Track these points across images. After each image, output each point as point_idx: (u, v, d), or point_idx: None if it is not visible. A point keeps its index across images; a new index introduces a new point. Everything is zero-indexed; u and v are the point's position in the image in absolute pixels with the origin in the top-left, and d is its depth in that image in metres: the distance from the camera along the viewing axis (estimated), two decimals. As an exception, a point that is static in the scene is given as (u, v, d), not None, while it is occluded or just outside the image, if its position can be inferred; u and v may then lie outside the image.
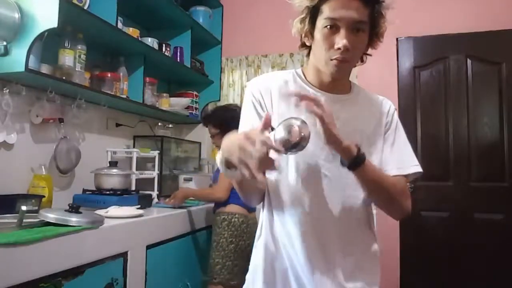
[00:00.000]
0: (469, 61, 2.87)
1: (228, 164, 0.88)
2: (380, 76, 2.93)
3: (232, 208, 2.26)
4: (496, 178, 2.77)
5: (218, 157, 0.92)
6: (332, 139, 0.89)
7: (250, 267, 1.12)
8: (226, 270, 2.16)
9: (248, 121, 1.05)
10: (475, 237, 2.74)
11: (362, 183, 0.97)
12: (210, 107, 3.20)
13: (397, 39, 2.99)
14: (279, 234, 1.04)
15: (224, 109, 2.44)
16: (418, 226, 2.82)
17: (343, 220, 1.02)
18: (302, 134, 0.82)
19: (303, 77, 1.08)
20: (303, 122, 0.83)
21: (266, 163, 0.79)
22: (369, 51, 1.05)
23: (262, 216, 1.10)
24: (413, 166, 1.06)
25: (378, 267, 1.09)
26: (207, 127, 2.42)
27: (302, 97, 0.87)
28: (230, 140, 0.85)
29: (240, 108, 2.17)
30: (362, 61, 1.05)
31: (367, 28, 0.97)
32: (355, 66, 1.04)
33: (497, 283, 2.67)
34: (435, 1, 2.97)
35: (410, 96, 2.97)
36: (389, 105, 1.12)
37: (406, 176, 1.05)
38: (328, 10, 0.94)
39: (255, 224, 2.22)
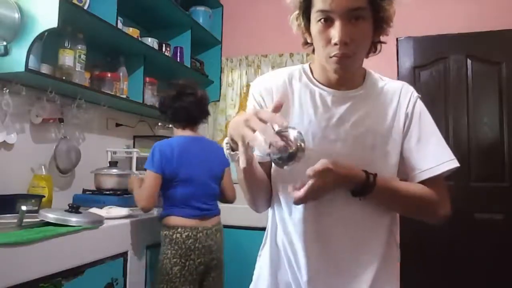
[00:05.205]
0: (469, 61, 2.87)
1: (233, 146, 0.82)
2: (380, 76, 2.93)
3: (172, 220, 1.85)
4: (496, 178, 2.77)
5: (225, 140, 0.86)
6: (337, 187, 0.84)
7: (254, 277, 1.04)
8: None
9: None
10: (475, 237, 2.74)
11: (378, 204, 0.89)
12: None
13: (397, 39, 2.99)
14: (281, 244, 0.96)
15: (175, 96, 1.97)
16: (418, 226, 2.79)
17: (357, 232, 0.92)
18: (299, 144, 0.77)
19: (309, 74, 0.98)
20: (300, 133, 0.79)
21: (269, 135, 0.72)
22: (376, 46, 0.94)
23: (268, 222, 1.02)
24: (446, 162, 0.91)
25: (397, 278, 0.97)
26: None
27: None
28: (237, 117, 0.79)
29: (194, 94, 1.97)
30: (375, 51, 0.93)
31: (368, 14, 0.85)
32: (367, 57, 0.93)
33: (497, 283, 2.67)
34: (435, 1, 2.97)
35: (410, 96, 2.96)
36: (410, 93, 0.97)
37: (440, 174, 0.91)
38: (319, 2, 0.84)
39: (213, 234, 1.89)
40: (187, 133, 1.99)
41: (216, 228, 1.93)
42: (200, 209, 1.89)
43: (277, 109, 0.76)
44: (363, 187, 0.86)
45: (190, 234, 1.82)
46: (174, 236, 1.81)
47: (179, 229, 1.82)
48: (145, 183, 1.84)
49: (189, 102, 1.94)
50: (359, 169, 0.86)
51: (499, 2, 2.83)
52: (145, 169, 1.88)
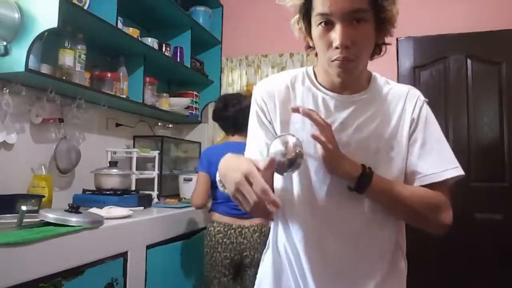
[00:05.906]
0: (469, 61, 2.87)
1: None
2: (380, 76, 2.93)
3: (212, 215, 2.14)
4: (496, 178, 2.77)
5: (217, 177, 0.86)
6: (330, 168, 0.85)
7: (256, 281, 1.05)
8: (203, 281, 2.15)
9: (253, 134, 0.98)
10: (475, 237, 2.74)
11: (377, 202, 0.88)
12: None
13: (397, 39, 2.99)
14: (283, 250, 0.95)
15: (222, 107, 2.21)
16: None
17: (359, 240, 0.90)
18: (298, 150, 0.78)
19: (313, 77, 0.96)
20: (298, 139, 0.79)
21: (263, 210, 0.70)
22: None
23: (271, 227, 1.02)
24: (449, 170, 0.88)
25: (404, 286, 0.96)
26: None
27: (308, 115, 0.82)
28: (227, 166, 0.78)
29: (240, 101, 2.15)
30: (379, 52, 0.92)
31: (369, 15, 0.83)
32: (371, 59, 0.92)
33: (497, 283, 2.67)
34: (435, 1, 2.97)
35: (410, 96, 2.96)
36: (416, 97, 0.96)
37: (443, 182, 0.89)
38: (319, 5, 0.82)
39: (248, 233, 2.04)
40: (236, 139, 2.19)
41: (255, 228, 2.05)
42: (237, 209, 1.99)
43: (270, 166, 0.74)
44: (360, 176, 0.84)
45: (221, 229, 2.06)
46: (209, 229, 2.10)
47: (214, 224, 2.09)
48: (196, 183, 2.15)
49: (234, 111, 2.14)
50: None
51: (499, 2, 2.84)
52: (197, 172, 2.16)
